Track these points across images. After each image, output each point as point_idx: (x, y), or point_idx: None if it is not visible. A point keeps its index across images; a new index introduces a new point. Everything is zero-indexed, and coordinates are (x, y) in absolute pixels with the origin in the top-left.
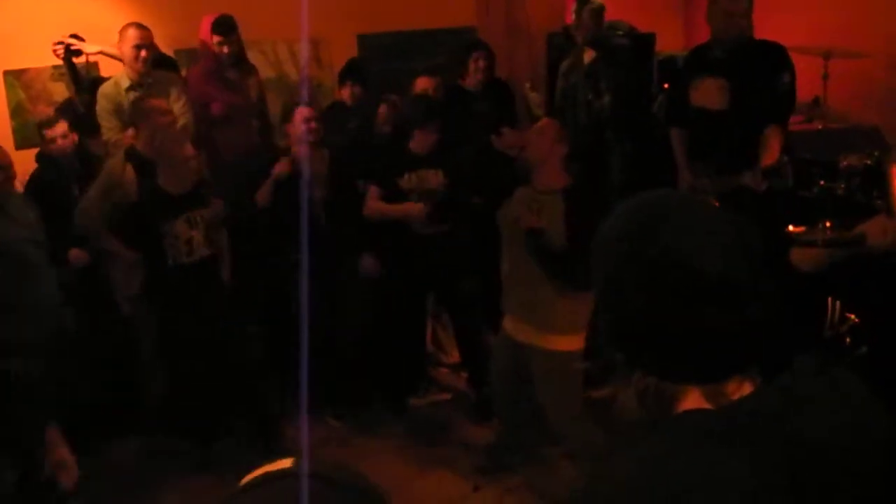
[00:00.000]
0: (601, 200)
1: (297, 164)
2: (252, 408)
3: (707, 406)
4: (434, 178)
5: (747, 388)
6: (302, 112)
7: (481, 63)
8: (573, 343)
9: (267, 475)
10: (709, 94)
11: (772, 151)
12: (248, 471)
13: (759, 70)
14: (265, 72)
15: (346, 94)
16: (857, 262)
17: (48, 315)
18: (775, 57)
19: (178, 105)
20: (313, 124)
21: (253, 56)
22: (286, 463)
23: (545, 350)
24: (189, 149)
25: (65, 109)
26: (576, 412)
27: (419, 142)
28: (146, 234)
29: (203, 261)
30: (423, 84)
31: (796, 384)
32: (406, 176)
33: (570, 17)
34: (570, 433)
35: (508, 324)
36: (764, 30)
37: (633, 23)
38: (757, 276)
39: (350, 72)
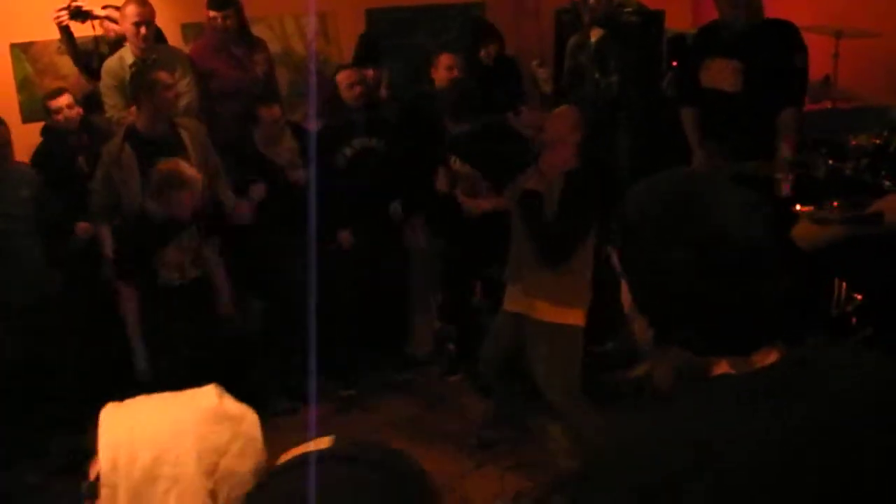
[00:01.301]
0: (608, 181)
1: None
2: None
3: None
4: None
5: (772, 358)
6: (267, 112)
7: (492, 50)
8: (574, 317)
9: (299, 458)
10: (721, 75)
11: (790, 138)
12: None
13: (771, 51)
14: (272, 46)
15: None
16: (866, 241)
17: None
18: (788, 37)
19: (183, 82)
20: (270, 128)
21: (259, 31)
22: (324, 442)
23: (546, 322)
24: None
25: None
26: (574, 388)
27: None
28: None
29: (193, 282)
30: (446, 62)
31: (817, 351)
32: (453, 159)
33: None
34: (568, 410)
35: (511, 297)
36: (774, 9)
37: (642, 0)
38: (784, 250)
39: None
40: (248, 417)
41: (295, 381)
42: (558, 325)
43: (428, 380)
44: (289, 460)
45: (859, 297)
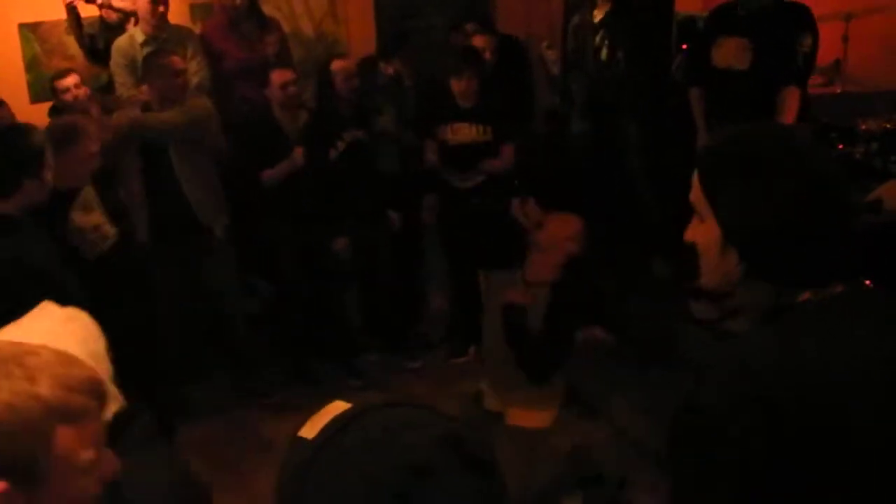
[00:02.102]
0: (594, 292)
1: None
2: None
3: None
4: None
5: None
6: (279, 75)
7: (493, 44)
8: (543, 420)
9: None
10: (731, 53)
11: (787, 117)
12: None
13: (782, 30)
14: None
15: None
16: (871, 230)
17: None
18: (799, 17)
19: (193, 62)
20: (291, 89)
21: (270, 11)
22: (342, 405)
23: (516, 427)
24: None
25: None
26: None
27: (459, 91)
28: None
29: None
30: (479, 42)
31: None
32: (447, 127)
33: None
34: None
35: (487, 394)
36: None
37: None
38: None
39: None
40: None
41: (303, 367)
42: (527, 428)
43: (438, 364)
44: (323, 426)
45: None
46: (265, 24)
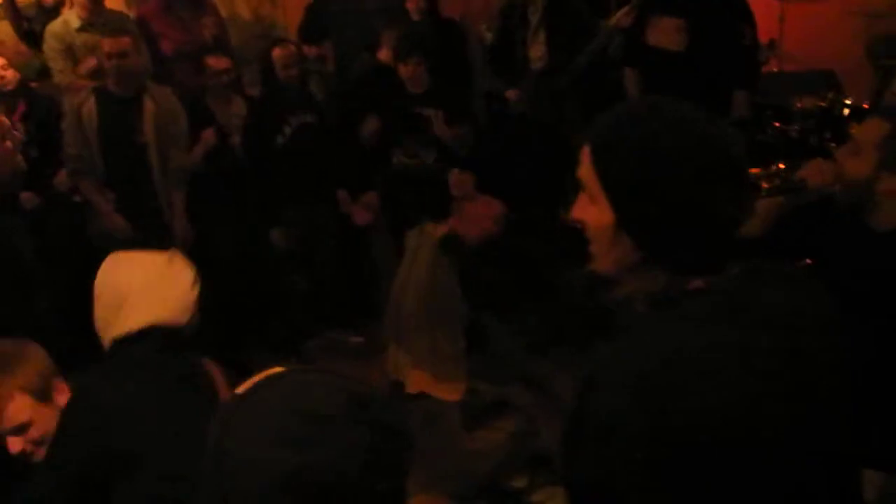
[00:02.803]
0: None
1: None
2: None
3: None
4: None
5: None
6: (213, 61)
7: (421, 3)
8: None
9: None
10: (666, 33)
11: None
12: None
13: (719, 17)
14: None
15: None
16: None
17: None
18: (736, 8)
19: None
20: (224, 77)
21: None
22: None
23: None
24: None
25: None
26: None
27: (407, 77)
28: None
29: None
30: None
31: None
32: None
33: None
34: None
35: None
36: None
37: None
38: None
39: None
40: None
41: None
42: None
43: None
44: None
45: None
46: (202, 7)
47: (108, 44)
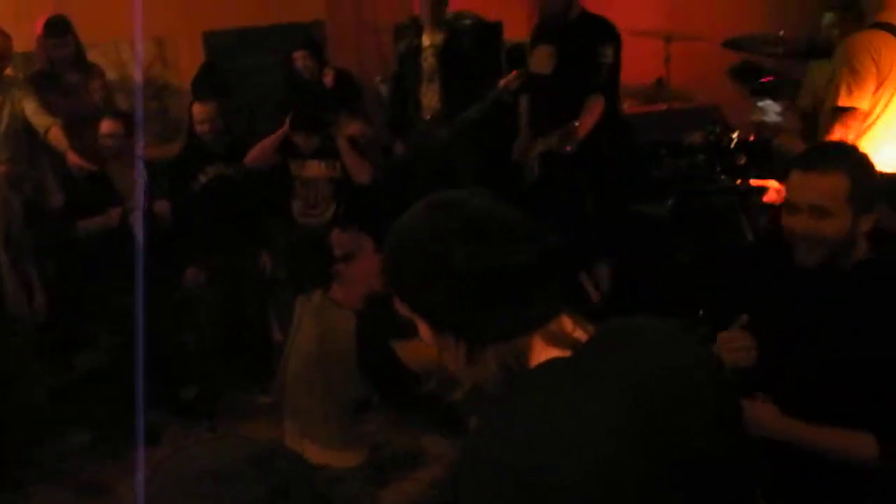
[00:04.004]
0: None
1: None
2: None
3: (555, 351)
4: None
5: (576, 325)
6: (105, 125)
7: (308, 62)
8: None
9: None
10: (539, 60)
11: (585, 118)
12: None
13: (584, 40)
14: (109, 74)
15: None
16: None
17: None
18: (602, 30)
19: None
20: (109, 142)
21: (94, 57)
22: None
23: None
24: None
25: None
26: None
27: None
28: None
29: None
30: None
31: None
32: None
33: (418, 8)
34: None
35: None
36: (609, 14)
37: (481, 12)
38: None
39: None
40: None
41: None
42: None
43: None
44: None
45: None
46: (90, 71)
47: None
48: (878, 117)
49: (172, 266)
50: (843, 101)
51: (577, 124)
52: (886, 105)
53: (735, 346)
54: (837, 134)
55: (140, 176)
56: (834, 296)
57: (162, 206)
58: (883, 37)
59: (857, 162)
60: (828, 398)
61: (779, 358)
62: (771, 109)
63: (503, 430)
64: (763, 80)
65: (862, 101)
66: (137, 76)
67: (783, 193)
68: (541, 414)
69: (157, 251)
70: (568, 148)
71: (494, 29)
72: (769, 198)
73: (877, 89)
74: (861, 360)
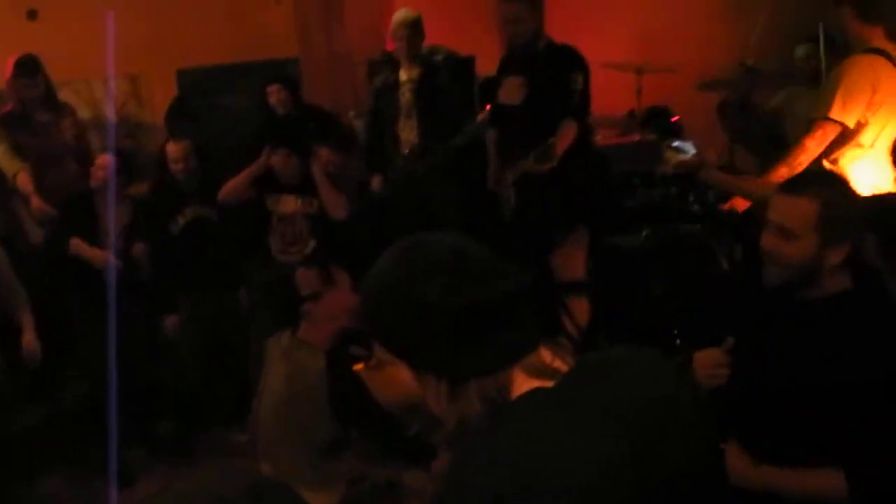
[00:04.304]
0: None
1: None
2: None
3: (536, 382)
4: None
5: (555, 356)
6: (102, 160)
7: (283, 97)
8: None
9: None
10: (509, 91)
11: (562, 138)
12: None
13: (554, 69)
14: (81, 112)
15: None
16: None
17: None
18: (570, 58)
19: None
20: (100, 174)
21: (66, 95)
22: None
23: None
24: None
25: None
26: None
27: (279, 168)
28: None
29: None
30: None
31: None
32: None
33: (391, 44)
34: None
35: None
36: (581, 47)
37: (454, 47)
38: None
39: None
40: None
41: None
42: None
43: None
44: None
45: None
46: (60, 110)
47: None
48: (871, 145)
49: (152, 305)
50: (834, 114)
51: (554, 141)
52: (879, 134)
53: (710, 367)
54: (809, 147)
55: (113, 215)
56: (805, 325)
57: (139, 249)
58: (883, 63)
59: (833, 192)
60: (795, 427)
61: (750, 383)
62: (686, 148)
63: (487, 460)
64: (672, 119)
65: (851, 119)
66: (110, 114)
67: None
68: (524, 443)
69: (135, 291)
70: (546, 165)
71: (468, 63)
72: (734, 203)
73: (869, 111)
74: (827, 390)
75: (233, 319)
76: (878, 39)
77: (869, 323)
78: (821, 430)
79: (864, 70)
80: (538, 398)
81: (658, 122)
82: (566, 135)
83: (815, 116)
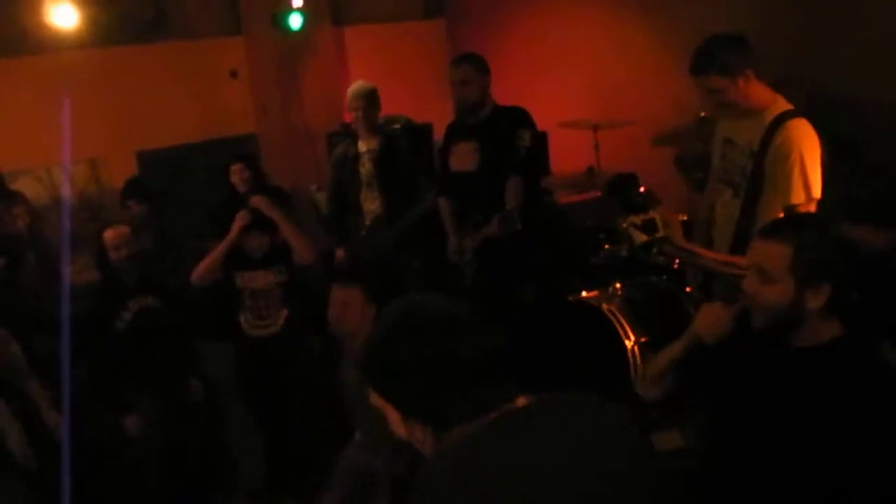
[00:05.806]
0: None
1: None
2: None
3: None
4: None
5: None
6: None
7: (245, 175)
8: None
9: None
10: (461, 158)
11: (510, 199)
12: None
13: (503, 130)
14: (40, 198)
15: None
16: None
17: None
18: (518, 118)
19: None
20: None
21: (26, 183)
22: None
23: None
24: None
25: None
26: None
27: (249, 248)
28: None
29: None
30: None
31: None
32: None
33: (349, 116)
34: None
35: None
36: (536, 108)
37: (411, 114)
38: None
39: (131, 191)
40: None
41: None
42: None
43: None
44: None
45: None
46: (11, 198)
47: None
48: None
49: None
50: (812, 195)
51: (512, 206)
52: None
53: (711, 322)
54: None
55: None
56: (791, 373)
57: (132, 423)
58: (806, 123)
59: (807, 236)
60: (775, 475)
61: (733, 433)
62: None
63: (463, 485)
64: (641, 190)
65: (818, 189)
66: (67, 198)
67: None
68: (498, 473)
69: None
70: (511, 231)
71: (425, 130)
72: None
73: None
74: (809, 446)
75: (189, 413)
76: (771, 94)
77: (860, 377)
78: (799, 480)
79: (810, 139)
80: (507, 430)
81: (624, 196)
82: (514, 192)
83: (793, 203)
